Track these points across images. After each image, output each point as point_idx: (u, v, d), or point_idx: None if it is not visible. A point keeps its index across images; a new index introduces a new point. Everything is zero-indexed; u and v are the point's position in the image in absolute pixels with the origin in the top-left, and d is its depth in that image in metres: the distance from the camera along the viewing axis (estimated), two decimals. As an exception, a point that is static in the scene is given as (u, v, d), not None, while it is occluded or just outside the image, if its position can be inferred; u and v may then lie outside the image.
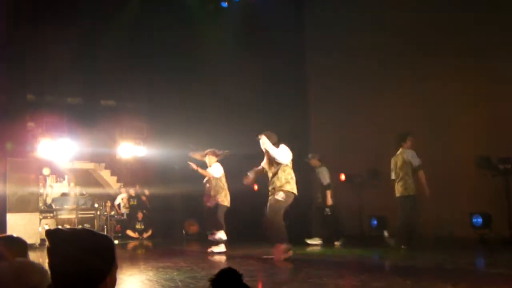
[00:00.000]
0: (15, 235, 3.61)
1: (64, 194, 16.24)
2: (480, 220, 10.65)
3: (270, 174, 9.04)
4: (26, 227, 12.42)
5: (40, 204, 13.95)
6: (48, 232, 1.90)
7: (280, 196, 8.72)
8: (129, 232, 15.57)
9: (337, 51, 14.35)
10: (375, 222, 12.77)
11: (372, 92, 13.48)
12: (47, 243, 1.89)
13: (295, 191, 8.88)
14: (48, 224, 13.74)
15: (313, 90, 15.23)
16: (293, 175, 8.92)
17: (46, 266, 1.93)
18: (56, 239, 1.89)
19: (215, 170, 11.06)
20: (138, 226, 15.61)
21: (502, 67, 11.15)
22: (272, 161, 8.96)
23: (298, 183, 9.02)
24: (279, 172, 8.84)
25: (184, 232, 15.92)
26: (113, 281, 1.95)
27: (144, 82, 16.77)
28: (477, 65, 11.61)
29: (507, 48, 11.08)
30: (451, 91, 11.89)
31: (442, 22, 12.21)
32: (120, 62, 15.74)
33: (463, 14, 11.80)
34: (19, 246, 3.43)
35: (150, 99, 17.11)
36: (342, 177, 13.19)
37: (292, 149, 9.08)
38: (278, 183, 8.79)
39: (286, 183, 8.78)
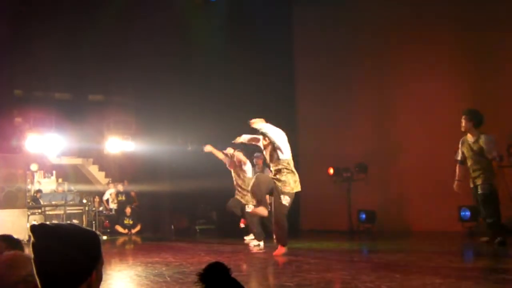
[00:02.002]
0: (14, 236, 3.60)
1: (52, 190, 16.19)
2: (468, 213, 10.70)
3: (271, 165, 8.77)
4: (14, 223, 12.34)
5: (28, 200, 13.87)
6: (33, 227, 1.88)
7: (285, 200, 8.45)
8: (118, 228, 15.50)
9: (326, 44, 14.34)
10: (364, 216, 12.80)
11: (361, 85, 13.50)
12: (31, 238, 1.87)
13: (297, 189, 8.64)
14: (36, 220, 13.65)
15: (301, 83, 15.21)
16: (294, 170, 8.63)
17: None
18: (41, 234, 1.87)
19: (249, 169, 10.72)
20: (126, 221, 15.54)
21: (490, 64, 11.27)
22: (273, 154, 8.65)
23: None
24: (281, 168, 8.55)
25: (173, 227, 15.91)
26: (99, 277, 1.94)
27: (131, 76, 16.70)
28: (466, 62, 11.71)
29: (495, 45, 11.18)
30: (441, 87, 11.94)
31: (433, 17, 12.27)
32: (107, 56, 15.66)
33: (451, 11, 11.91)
34: (15, 246, 3.41)
35: (137, 93, 17.05)
36: (331, 171, 13.20)
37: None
38: (281, 183, 8.51)
39: (288, 184, 8.50)
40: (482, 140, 8.55)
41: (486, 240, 8.74)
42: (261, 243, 10.17)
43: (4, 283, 2.45)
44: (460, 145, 8.87)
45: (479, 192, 8.60)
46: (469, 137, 8.73)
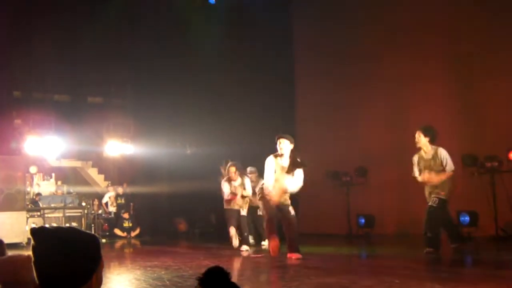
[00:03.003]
0: None
1: (51, 193, 16.16)
2: (467, 218, 10.69)
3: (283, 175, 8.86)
4: (13, 225, 12.32)
5: (27, 203, 13.85)
6: (33, 230, 1.88)
7: (292, 210, 8.83)
8: (117, 231, 15.47)
9: (326, 46, 14.35)
10: (363, 220, 12.80)
11: (361, 88, 13.49)
12: (32, 241, 1.87)
13: None
14: (35, 222, 13.63)
15: (299, 87, 15.22)
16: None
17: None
18: (41, 237, 1.87)
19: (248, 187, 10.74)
20: (125, 224, 15.52)
21: (488, 71, 11.31)
22: (292, 168, 8.80)
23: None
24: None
25: (172, 230, 15.89)
26: (99, 280, 1.93)
27: (131, 79, 16.70)
28: (464, 68, 11.72)
29: (494, 53, 11.20)
30: (439, 92, 11.94)
31: (433, 24, 12.29)
32: (106, 58, 15.66)
33: (456, 15, 11.96)
34: None
35: (137, 95, 17.05)
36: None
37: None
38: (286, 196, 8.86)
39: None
40: (443, 155, 8.68)
41: (430, 251, 8.67)
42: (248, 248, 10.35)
43: (20, 282, 2.49)
44: (416, 163, 8.89)
45: (429, 203, 8.80)
46: (423, 153, 8.81)
